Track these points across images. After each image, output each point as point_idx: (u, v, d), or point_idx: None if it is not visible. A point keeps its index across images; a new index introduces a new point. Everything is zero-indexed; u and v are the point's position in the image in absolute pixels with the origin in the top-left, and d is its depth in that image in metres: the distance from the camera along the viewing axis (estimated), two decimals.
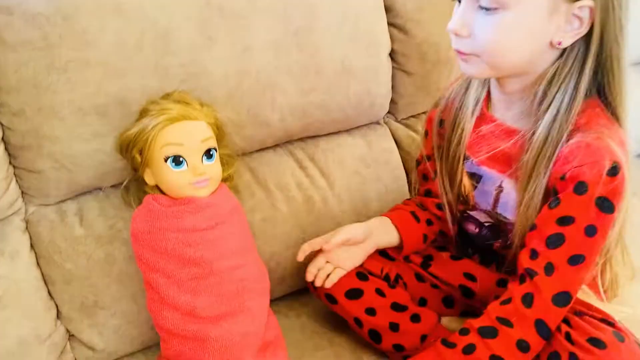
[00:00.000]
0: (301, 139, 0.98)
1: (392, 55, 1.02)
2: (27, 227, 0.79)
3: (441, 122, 0.85)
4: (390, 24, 1.00)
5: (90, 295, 0.79)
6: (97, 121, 0.75)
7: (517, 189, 0.74)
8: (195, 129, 0.73)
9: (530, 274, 0.69)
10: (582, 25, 0.65)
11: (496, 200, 0.79)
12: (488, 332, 0.69)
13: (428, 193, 0.90)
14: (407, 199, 0.96)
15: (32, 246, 0.78)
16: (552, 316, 0.68)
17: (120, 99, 0.76)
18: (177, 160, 0.71)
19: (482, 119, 0.79)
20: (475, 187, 0.81)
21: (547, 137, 0.69)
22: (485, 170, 0.79)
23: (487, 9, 0.66)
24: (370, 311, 0.81)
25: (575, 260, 0.67)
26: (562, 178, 0.68)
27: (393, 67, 1.02)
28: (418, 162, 0.93)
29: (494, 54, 0.69)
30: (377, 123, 1.06)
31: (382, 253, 0.88)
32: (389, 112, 1.07)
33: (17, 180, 0.78)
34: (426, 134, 0.90)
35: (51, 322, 0.79)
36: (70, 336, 0.81)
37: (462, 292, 0.86)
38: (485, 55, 0.69)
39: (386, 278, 0.85)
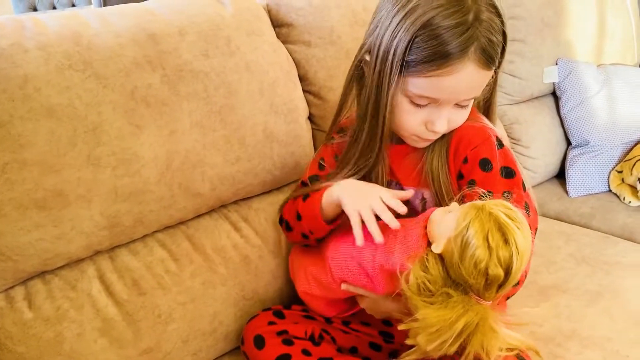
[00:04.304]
0: (234, 202, 1.06)
1: (310, 118, 1.12)
2: None
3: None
4: (305, 92, 1.10)
5: None
6: (37, 214, 0.80)
7: (432, 191, 0.82)
8: None
9: None
10: None
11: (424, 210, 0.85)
12: None
13: None
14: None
15: None
16: None
17: (57, 192, 0.81)
18: None
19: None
20: None
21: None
22: (410, 189, 0.84)
23: (463, 106, 0.78)
24: None
25: None
26: (465, 161, 0.78)
27: (313, 129, 1.12)
28: (305, 183, 0.93)
29: None
30: None
31: (306, 316, 0.94)
32: None
33: None
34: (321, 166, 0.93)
35: None
36: None
37: (383, 337, 0.93)
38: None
39: (311, 338, 0.91)
